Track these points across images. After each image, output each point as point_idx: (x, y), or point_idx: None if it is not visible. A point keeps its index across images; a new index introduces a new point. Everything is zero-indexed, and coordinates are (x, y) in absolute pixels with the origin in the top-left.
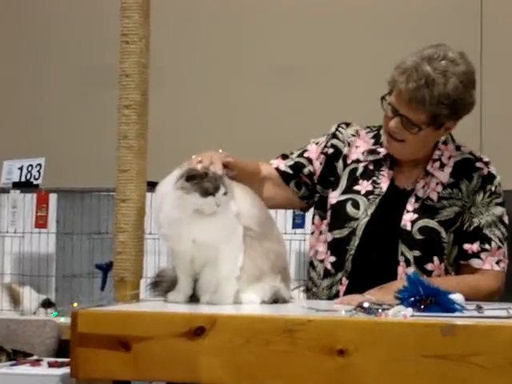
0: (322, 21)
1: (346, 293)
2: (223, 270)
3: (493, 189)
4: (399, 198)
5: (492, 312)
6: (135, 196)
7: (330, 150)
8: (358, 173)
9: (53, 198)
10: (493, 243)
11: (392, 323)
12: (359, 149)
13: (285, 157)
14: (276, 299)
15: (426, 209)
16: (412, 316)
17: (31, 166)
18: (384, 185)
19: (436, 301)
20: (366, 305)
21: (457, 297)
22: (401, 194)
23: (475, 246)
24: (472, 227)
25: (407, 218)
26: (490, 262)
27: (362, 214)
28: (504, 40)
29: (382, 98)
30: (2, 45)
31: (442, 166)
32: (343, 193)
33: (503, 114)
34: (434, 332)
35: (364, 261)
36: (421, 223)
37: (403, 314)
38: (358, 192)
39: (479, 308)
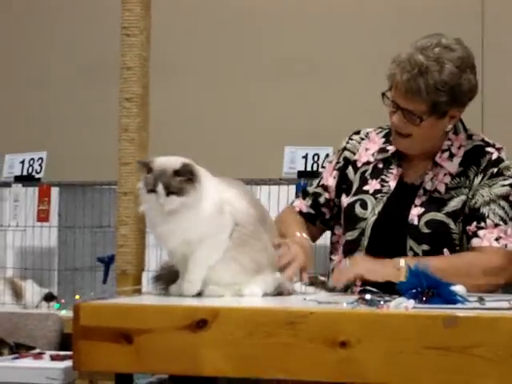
0: (325, 14)
1: (361, 292)
2: (194, 257)
3: (495, 170)
4: (408, 193)
5: (494, 303)
6: (137, 189)
7: (342, 163)
8: (368, 173)
9: (54, 191)
10: (488, 220)
11: (394, 315)
12: (369, 151)
13: (305, 194)
14: (279, 291)
15: (433, 201)
16: (414, 308)
17: (33, 159)
18: (392, 182)
19: (438, 292)
20: (367, 297)
21: (459, 288)
22: (409, 189)
23: (472, 226)
24: (469, 208)
25: (414, 213)
26: (488, 239)
27: (370, 213)
28: (505, 35)
29: (383, 94)
30: (3, 39)
31: (452, 156)
32: (353, 195)
33: (504, 110)
34: (435, 324)
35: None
36: (427, 217)
37: (405, 305)
38: (367, 192)
39: (481, 299)
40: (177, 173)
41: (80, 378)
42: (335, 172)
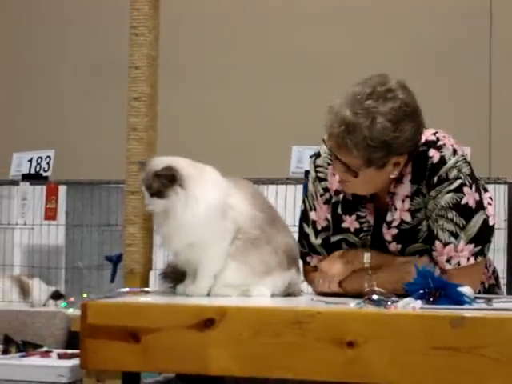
0: (333, 14)
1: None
2: (202, 266)
3: (435, 180)
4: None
5: (501, 304)
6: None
7: (326, 195)
8: (339, 209)
9: (62, 190)
10: (437, 242)
11: (401, 315)
12: (336, 177)
13: (313, 250)
14: (287, 292)
15: (405, 234)
16: (421, 308)
17: (41, 158)
18: (370, 218)
19: (445, 293)
20: (374, 297)
21: (466, 289)
22: (383, 224)
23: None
24: (428, 230)
25: (393, 249)
26: (441, 262)
27: None
28: None
29: (324, 141)
30: (12, 37)
31: (401, 178)
32: (334, 233)
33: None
34: (443, 324)
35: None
36: (408, 251)
37: (412, 306)
38: (348, 230)
39: (488, 300)
40: (158, 175)
41: (87, 376)
42: (326, 206)
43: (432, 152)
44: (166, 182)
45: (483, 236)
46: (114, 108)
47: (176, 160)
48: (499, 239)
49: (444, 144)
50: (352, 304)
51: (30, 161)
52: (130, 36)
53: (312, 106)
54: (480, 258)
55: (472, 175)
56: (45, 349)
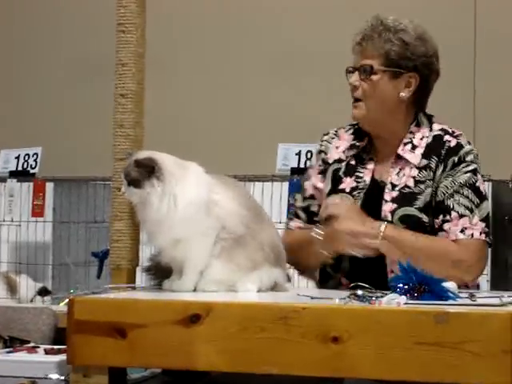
0: (324, 8)
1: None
2: (188, 262)
3: (456, 159)
4: (378, 189)
5: (485, 300)
6: None
7: (323, 166)
8: (341, 171)
9: (49, 186)
10: (453, 213)
11: (386, 311)
12: (339, 148)
13: (294, 213)
14: (274, 287)
15: (405, 197)
16: (405, 304)
17: (28, 155)
18: (367, 177)
19: (429, 289)
20: (359, 292)
21: (450, 285)
22: (378, 185)
23: (439, 219)
24: (435, 202)
25: (387, 209)
26: (453, 232)
27: None
28: (497, 33)
29: (347, 71)
30: None
31: (414, 147)
32: (329, 194)
33: (496, 108)
34: (427, 320)
35: (357, 258)
36: (400, 212)
37: (397, 301)
38: (343, 190)
39: (472, 296)
40: (137, 163)
41: (74, 371)
42: (320, 176)
43: (448, 137)
44: (143, 171)
45: (489, 223)
46: (101, 105)
47: (160, 154)
48: None
49: (460, 134)
50: (337, 300)
51: (18, 158)
52: (117, 33)
53: (298, 104)
54: (488, 240)
55: (480, 170)
56: (32, 344)
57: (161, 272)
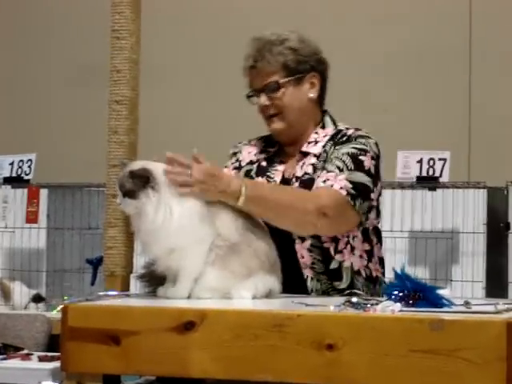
0: (317, 16)
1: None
2: (182, 269)
3: (345, 138)
4: (287, 185)
5: (480, 307)
6: None
7: (237, 164)
8: (253, 172)
9: (44, 193)
10: (324, 171)
11: (380, 318)
12: (252, 153)
13: None
14: (269, 295)
15: (305, 184)
16: (400, 311)
17: (22, 161)
18: (277, 178)
19: (424, 296)
20: (354, 300)
21: (445, 292)
22: (287, 182)
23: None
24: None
25: None
26: (316, 184)
27: None
28: (493, 41)
29: (249, 96)
30: None
31: (316, 143)
32: None
33: (491, 115)
34: (422, 327)
35: None
36: None
37: (391, 309)
38: None
39: (467, 303)
40: (132, 174)
41: (68, 379)
42: (235, 171)
43: (349, 131)
44: (138, 182)
45: (361, 192)
46: (96, 111)
47: (154, 164)
48: (478, 243)
49: (361, 129)
50: (332, 307)
51: (12, 164)
52: (112, 39)
53: None
54: (351, 202)
55: (377, 162)
56: (25, 351)
57: (155, 279)
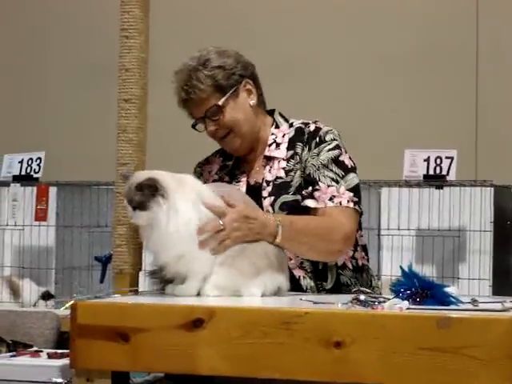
0: (320, 18)
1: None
2: (191, 267)
3: (317, 140)
4: (255, 191)
5: (487, 305)
6: None
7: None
8: None
9: (53, 191)
10: (320, 183)
11: (388, 316)
12: (212, 172)
13: None
14: (277, 292)
15: (279, 187)
16: (408, 309)
17: (31, 159)
18: (243, 188)
19: (431, 294)
20: (362, 297)
21: (452, 290)
22: (255, 188)
23: (308, 189)
24: (304, 177)
25: (266, 204)
26: (323, 200)
27: None
28: (500, 40)
29: (193, 126)
30: (2, 40)
31: (278, 145)
32: None
33: (498, 114)
34: (429, 325)
35: None
36: (279, 202)
37: (399, 306)
38: None
39: (474, 301)
40: (139, 187)
41: (77, 375)
42: None
43: (309, 126)
44: (147, 193)
45: (359, 192)
46: (105, 110)
47: (157, 173)
48: (485, 241)
49: (318, 121)
50: (339, 304)
51: (21, 162)
52: (121, 38)
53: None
54: (358, 209)
55: (347, 151)
56: (35, 349)
57: (164, 276)
